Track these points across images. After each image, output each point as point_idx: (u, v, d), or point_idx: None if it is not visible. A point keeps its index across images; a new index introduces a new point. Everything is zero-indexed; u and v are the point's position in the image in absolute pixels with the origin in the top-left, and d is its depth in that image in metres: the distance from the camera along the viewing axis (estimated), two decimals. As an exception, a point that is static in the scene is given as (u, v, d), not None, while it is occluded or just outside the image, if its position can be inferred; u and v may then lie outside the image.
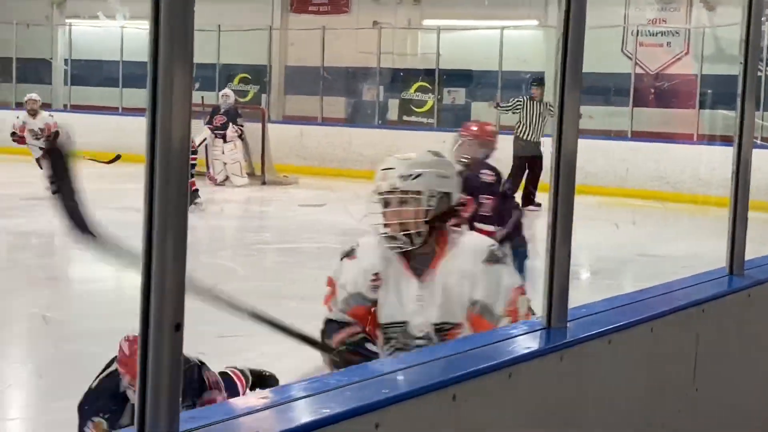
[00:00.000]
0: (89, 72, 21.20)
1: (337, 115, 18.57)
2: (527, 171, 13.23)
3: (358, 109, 18.78)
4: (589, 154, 12.99)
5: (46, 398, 4.96)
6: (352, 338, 3.22)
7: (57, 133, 12.71)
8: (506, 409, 1.90)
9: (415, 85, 17.97)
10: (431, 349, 1.86)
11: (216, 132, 14.81)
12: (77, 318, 6.80)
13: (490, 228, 5.81)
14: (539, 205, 12.93)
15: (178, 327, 1.37)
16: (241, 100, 17.82)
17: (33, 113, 13.06)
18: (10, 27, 20.35)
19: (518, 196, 13.17)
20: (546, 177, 14.37)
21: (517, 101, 13.59)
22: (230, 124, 14.85)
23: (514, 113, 13.57)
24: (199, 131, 14.59)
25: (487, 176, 5.85)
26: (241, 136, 15.10)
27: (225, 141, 14.81)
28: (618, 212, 12.95)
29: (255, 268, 8.85)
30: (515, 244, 5.98)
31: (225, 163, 14.93)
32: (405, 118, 18.01)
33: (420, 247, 3.10)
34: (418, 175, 3.13)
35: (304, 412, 1.59)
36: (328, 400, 1.61)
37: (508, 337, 2.01)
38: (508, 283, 3.01)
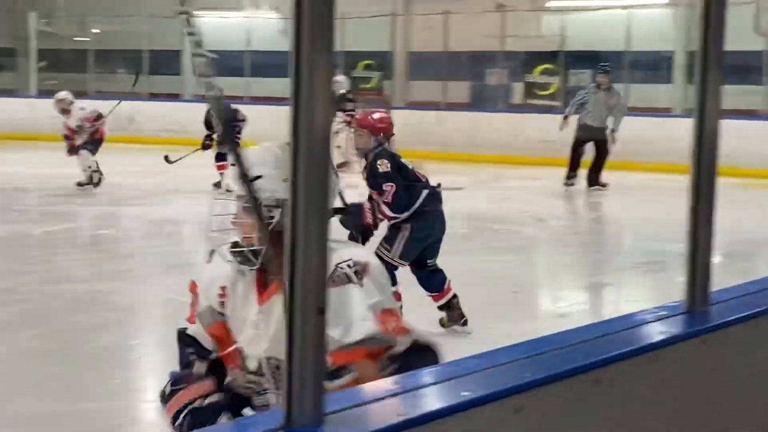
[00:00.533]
0: (217, 62, 21.62)
1: (461, 100, 18.53)
2: (593, 154, 13.28)
3: (482, 93, 18.71)
4: (723, 134, 12.73)
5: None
6: (199, 402, 2.64)
7: (100, 115, 12.56)
8: (649, 393, 1.87)
9: (540, 68, 17.81)
10: (571, 331, 1.85)
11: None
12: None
13: (392, 214, 5.93)
14: (605, 185, 13.16)
15: (322, 311, 1.40)
16: (365, 86, 17.94)
17: (65, 113, 12.52)
18: (141, 20, 20.92)
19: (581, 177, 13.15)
20: (659, 158, 14.14)
21: (582, 98, 13.45)
22: (337, 111, 14.75)
23: (583, 106, 13.44)
24: None
25: (381, 166, 5.90)
26: (350, 123, 15.07)
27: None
28: (755, 194, 12.60)
29: (380, 254, 8.90)
30: (428, 224, 6.04)
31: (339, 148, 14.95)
32: (529, 101, 17.87)
33: (267, 264, 2.50)
34: (256, 178, 2.43)
35: (444, 396, 1.59)
36: (468, 384, 1.61)
37: (648, 321, 1.98)
38: (359, 312, 2.37)
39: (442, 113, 17.62)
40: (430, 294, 6.25)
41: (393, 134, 6.22)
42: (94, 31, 22.19)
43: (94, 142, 12.35)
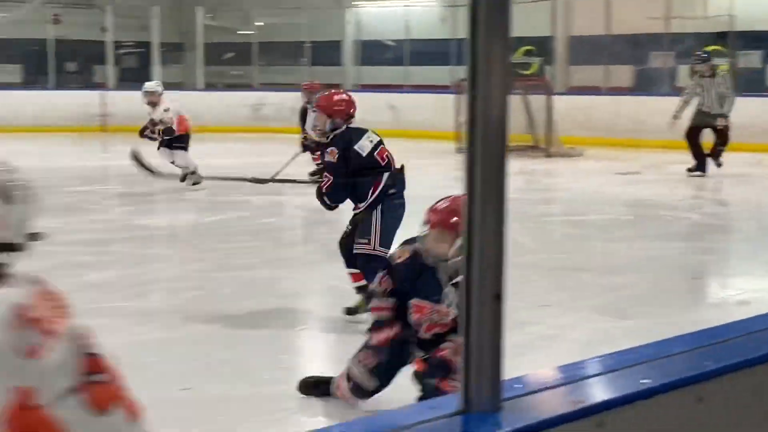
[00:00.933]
0: (376, 52, 21.88)
1: (624, 84, 18.16)
2: (714, 140, 13.18)
3: (646, 76, 18.29)
4: None
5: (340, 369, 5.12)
6: None
7: (170, 129, 11.91)
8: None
9: (707, 49, 17.27)
10: (753, 319, 1.79)
11: None
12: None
13: (332, 204, 5.87)
14: (719, 166, 12.92)
15: (498, 297, 1.39)
16: (525, 72, 17.77)
17: (152, 105, 12.03)
18: (303, 12, 21.31)
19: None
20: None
21: (688, 93, 13.42)
22: None
23: (695, 97, 13.20)
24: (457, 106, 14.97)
25: (329, 155, 5.75)
26: None
27: None
28: None
29: (543, 241, 8.82)
30: (394, 206, 5.78)
31: None
32: (696, 84, 17.37)
33: None
34: None
35: (621, 384, 1.57)
36: (647, 372, 1.58)
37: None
38: None
39: (604, 98, 17.32)
40: (354, 272, 5.96)
41: (352, 116, 5.97)
42: (257, 24, 22.72)
43: (182, 139, 11.99)
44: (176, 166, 11.81)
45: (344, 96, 6.14)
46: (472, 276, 1.38)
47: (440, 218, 3.95)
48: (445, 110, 16.32)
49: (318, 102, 6.07)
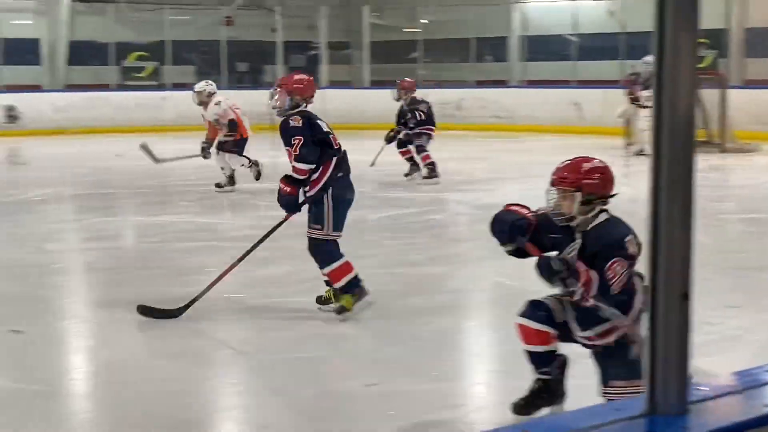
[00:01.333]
0: (542, 47, 21.69)
1: (804, 77, 17.47)
2: None
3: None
4: None
5: (510, 366, 5.05)
6: None
7: (233, 123, 11.62)
8: None
9: None
10: None
11: (636, 103, 14.43)
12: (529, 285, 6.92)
13: (299, 166, 5.89)
14: None
15: (686, 296, 1.36)
16: (698, 65, 17.31)
17: (203, 105, 11.78)
18: (468, 8, 21.33)
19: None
20: None
21: None
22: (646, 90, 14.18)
23: None
24: (622, 102, 14.68)
25: (293, 121, 5.93)
26: (637, 100, 14.55)
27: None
28: None
29: (721, 239, 8.56)
30: (344, 189, 6.00)
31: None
32: None
33: None
34: None
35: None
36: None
37: None
38: None
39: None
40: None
41: (311, 97, 6.21)
42: (422, 21, 22.84)
43: (239, 144, 11.78)
44: (229, 165, 11.73)
45: (305, 76, 6.43)
46: (658, 276, 1.35)
47: (560, 176, 3.98)
48: (613, 106, 16.04)
49: (279, 81, 6.33)
